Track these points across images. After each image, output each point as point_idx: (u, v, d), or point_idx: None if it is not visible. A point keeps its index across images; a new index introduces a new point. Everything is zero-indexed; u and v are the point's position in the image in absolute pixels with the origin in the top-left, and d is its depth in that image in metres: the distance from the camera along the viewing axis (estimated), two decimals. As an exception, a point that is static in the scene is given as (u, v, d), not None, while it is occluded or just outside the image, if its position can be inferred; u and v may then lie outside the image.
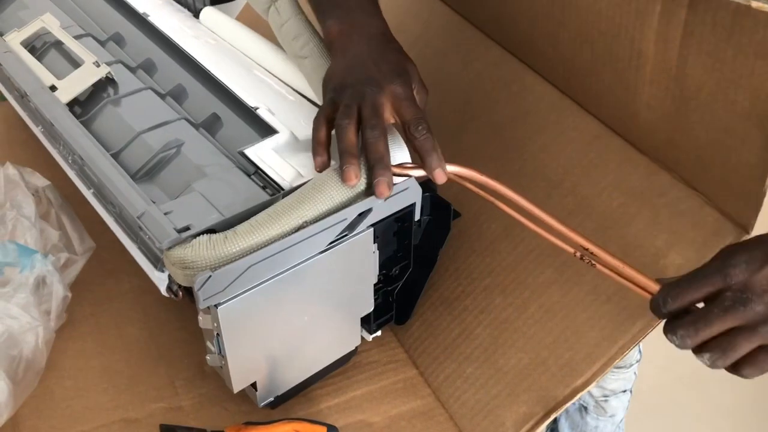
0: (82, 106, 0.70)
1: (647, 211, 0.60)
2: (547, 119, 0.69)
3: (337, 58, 0.61)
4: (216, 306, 0.51)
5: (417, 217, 0.62)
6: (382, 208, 0.57)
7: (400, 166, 0.59)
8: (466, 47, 0.80)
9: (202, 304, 0.50)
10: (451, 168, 0.58)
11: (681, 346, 0.47)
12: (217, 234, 0.53)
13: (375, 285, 0.63)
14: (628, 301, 0.58)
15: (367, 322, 0.66)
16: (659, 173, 0.61)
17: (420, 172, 0.59)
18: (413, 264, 0.65)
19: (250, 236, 0.52)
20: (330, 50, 0.64)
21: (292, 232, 0.53)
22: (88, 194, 0.64)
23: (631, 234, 0.59)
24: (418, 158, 0.57)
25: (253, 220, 0.54)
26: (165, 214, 0.54)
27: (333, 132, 0.57)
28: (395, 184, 0.58)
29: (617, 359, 0.58)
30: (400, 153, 0.61)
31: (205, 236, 0.52)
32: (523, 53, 0.74)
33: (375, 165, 0.55)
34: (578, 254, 0.55)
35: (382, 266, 0.62)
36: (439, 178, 0.56)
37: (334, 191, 0.56)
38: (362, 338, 0.67)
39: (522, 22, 0.69)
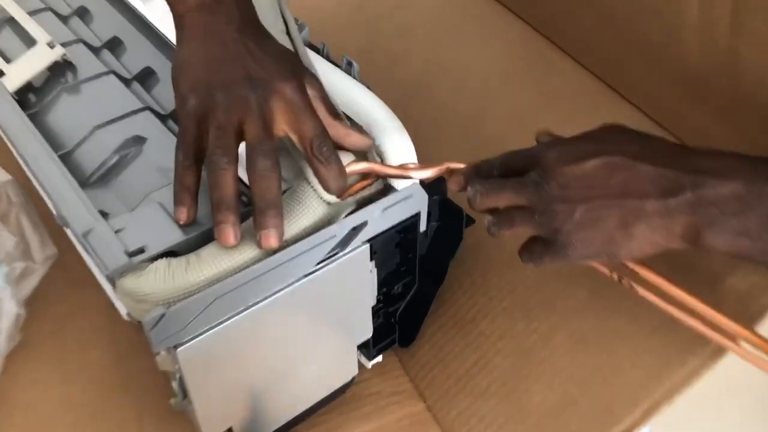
0: (37, 93, 0.61)
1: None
2: (578, 107, 0.58)
3: (192, 42, 0.46)
4: (175, 347, 0.42)
5: (423, 227, 0.52)
6: (379, 220, 0.48)
7: (402, 167, 0.49)
8: (485, 23, 0.69)
9: (155, 347, 0.41)
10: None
11: (471, 202, 0.45)
12: (178, 258, 0.43)
13: (374, 306, 0.53)
14: (677, 332, 0.48)
15: (365, 347, 0.56)
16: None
17: (426, 173, 0.49)
18: (419, 279, 0.55)
19: (216, 261, 0.43)
20: (179, 28, 0.48)
21: (269, 255, 0.44)
22: (46, 197, 0.54)
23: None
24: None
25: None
26: (116, 232, 0.45)
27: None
28: (398, 191, 0.49)
29: (664, 403, 0.48)
30: (403, 150, 0.52)
31: (163, 261, 0.43)
32: (547, 31, 0.63)
33: (265, 210, 0.42)
34: (616, 276, 0.45)
35: (381, 284, 0.53)
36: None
37: (316, 203, 0.46)
38: (360, 364, 0.57)
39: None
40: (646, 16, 0.47)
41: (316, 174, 0.45)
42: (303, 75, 0.47)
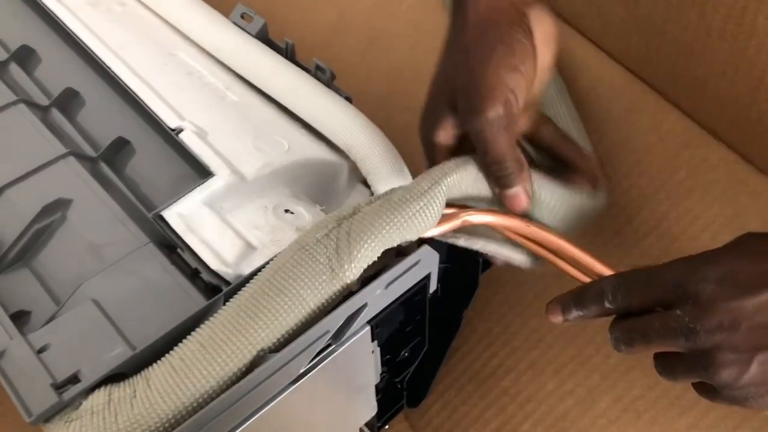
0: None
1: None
2: (608, 111, 0.48)
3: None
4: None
5: (433, 287, 0.42)
6: (381, 298, 0.37)
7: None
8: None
9: None
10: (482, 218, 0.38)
11: (614, 348, 0.36)
12: (122, 386, 0.33)
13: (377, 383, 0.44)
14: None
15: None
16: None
17: (435, 231, 0.38)
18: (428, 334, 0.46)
19: (171, 390, 0.32)
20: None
21: (244, 373, 0.33)
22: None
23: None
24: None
25: (176, 356, 0.33)
26: (39, 351, 0.34)
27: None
28: (401, 260, 0.38)
29: (737, 488, 0.40)
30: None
31: (102, 394, 0.33)
32: (578, 19, 0.51)
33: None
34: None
35: (385, 351, 0.43)
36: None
37: (305, 289, 0.35)
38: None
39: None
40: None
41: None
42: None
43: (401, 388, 0.47)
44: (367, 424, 0.48)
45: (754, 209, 0.42)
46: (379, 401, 0.45)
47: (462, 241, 0.40)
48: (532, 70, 0.38)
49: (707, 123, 0.43)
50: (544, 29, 0.39)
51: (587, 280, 0.38)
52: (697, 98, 0.43)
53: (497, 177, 0.38)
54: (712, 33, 0.38)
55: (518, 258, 0.41)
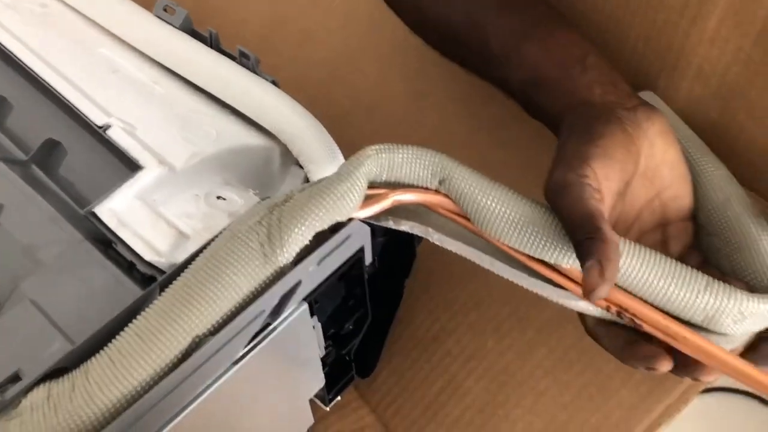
0: None
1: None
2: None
3: None
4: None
5: (369, 259, 0.43)
6: (315, 274, 0.39)
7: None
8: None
9: None
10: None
11: None
12: (60, 381, 0.34)
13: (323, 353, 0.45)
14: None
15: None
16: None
17: (365, 213, 0.39)
18: (371, 304, 0.47)
19: (110, 382, 0.33)
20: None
21: (180, 360, 0.35)
22: None
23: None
24: None
25: (114, 348, 0.34)
26: (-22, 354, 0.35)
27: None
28: (332, 236, 0.39)
29: (662, 424, 0.42)
30: (326, 165, 0.43)
31: (42, 390, 0.34)
32: None
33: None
34: (614, 310, 0.38)
35: (328, 326, 0.44)
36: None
37: (238, 275, 0.36)
38: (317, 405, 0.50)
39: None
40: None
41: None
42: None
43: (349, 360, 0.49)
44: (318, 397, 0.50)
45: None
46: (328, 374, 0.47)
47: (405, 227, 0.40)
48: (621, 152, 0.38)
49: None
50: (655, 124, 0.39)
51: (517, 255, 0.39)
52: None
53: (574, 242, 0.35)
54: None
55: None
